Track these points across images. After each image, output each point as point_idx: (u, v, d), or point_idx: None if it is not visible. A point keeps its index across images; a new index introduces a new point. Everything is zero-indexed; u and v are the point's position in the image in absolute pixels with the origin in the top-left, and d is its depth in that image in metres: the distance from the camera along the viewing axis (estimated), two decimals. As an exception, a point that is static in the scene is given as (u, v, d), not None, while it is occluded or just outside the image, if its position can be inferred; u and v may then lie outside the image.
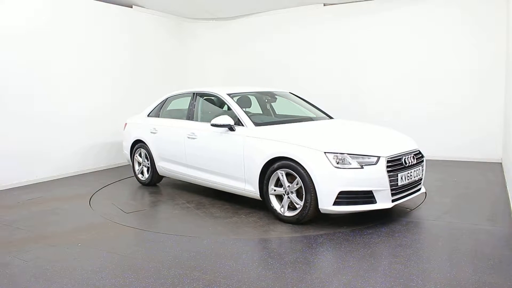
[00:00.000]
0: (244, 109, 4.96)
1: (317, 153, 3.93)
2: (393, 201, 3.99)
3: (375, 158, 3.92)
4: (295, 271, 3.09)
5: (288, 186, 4.11)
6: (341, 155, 3.89)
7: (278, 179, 4.21)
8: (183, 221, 4.51)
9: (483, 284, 2.80)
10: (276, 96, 5.82)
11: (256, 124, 4.68)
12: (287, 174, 4.13)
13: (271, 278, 3.00)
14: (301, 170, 3.96)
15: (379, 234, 3.84)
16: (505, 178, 5.68)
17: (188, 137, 5.27)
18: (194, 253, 3.51)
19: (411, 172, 4.17)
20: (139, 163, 6.22)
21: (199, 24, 9.45)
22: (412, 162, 4.21)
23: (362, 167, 3.86)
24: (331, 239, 3.72)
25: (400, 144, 4.34)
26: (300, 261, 3.27)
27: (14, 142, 6.16)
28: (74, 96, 6.99)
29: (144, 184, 6.16)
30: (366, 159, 3.91)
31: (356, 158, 3.90)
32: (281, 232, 3.96)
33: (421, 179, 4.45)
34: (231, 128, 4.72)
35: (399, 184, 4.01)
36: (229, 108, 5.12)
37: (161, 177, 6.07)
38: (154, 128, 5.88)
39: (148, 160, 6.03)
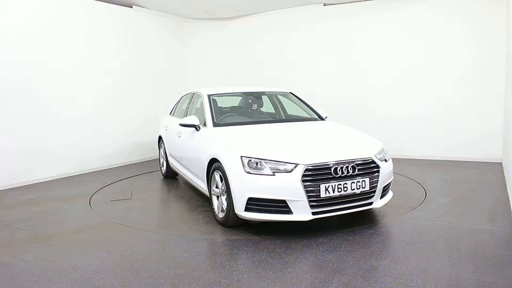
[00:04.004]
0: (210, 108, 5.02)
1: (235, 156, 3.87)
2: (314, 213, 3.66)
3: (292, 166, 3.66)
4: (295, 271, 3.09)
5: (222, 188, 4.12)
6: (256, 160, 3.74)
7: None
8: (139, 212, 4.90)
9: (483, 284, 2.80)
10: (263, 96, 5.80)
11: (215, 125, 4.74)
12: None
13: (271, 278, 3.00)
14: (225, 172, 3.95)
15: (379, 234, 3.84)
16: (505, 178, 5.68)
17: (177, 135, 5.54)
18: (194, 253, 3.51)
19: (345, 183, 3.71)
20: (162, 157, 6.62)
21: (199, 24, 9.45)
22: (348, 172, 3.74)
23: (273, 174, 3.67)
24: (331, 239, 3.72)
25: (340, 152, 3.88)
26: (300, 261, 3.27)
27: (14, 142, 6.15)
28: (74, 96, 6.98)
29: (164, 176, 6.64)
30: (280, 166, 3.68)
31: (269, 164, 3.70)
32: (207, 233, 3.97)
33: (370, 193, 3.88)
34: (197, 128, 4.86)
35: (322, 196, 3.64)
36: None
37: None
38: (167, 126, 6.28)
39: (165, 155, 6.45)
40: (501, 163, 6.79)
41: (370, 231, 3.90)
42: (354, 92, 8.11)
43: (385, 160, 4.13)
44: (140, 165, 7.78)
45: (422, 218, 4.27)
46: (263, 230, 4.00)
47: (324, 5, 8.24)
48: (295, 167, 3.66)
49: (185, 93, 6.35)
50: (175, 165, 5.92)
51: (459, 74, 7.21)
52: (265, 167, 3.71)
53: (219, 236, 3.90)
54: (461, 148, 7.25)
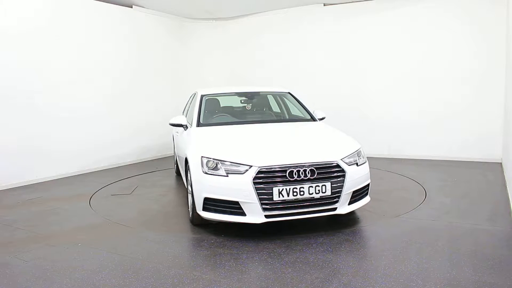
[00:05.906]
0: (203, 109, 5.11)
1: (197, 157, 3.93)
2: (267, 216, 3.61)
3: (246, 167, 3.63)
4: (295, 271, 3.09)
5: None
6: (215, 160, 3.78)
7: None
8: (126, 206, 5.08)
9: (483, 284, 2.80)
10: (256, 96, 5.78)
11: (198, 125, 4.80)
12: None
13: (271, 278, 3.00)
14: (190, 171, 4.02)
15: (379, 234, 3.84)
16: (505, 178, 5.68)
17: (176, 134, 5.75)
18: (194, 253, 3.51)
19: (302, 187, 3.60)
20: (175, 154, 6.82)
21: (199, 24, 9.45)
22: (306, 176, 3.62)
23: (227, 175, 3.68)
24: (331, 239, 3.72)
25: (300, 154, 3.78)
26: (300, 261, 3.27)
27: (15, 141, 6.15)
28: (74, 95, 6.99)
29: (176, 173, 6.80)
30: (234, 167, 3.68)
31: (224, 165, 3.72)
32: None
33: (333, 198, 3.73)
34: (184, 128, 4.98)
35: (275, 199, 3.57)
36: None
37: None
38: None
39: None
40: (501, 163, 6.79)
41: (371, 231, 3.90)
42: (354, 92, 8.11)
43: (357, 164, 3.94)
44: (145, 164, 7.80)
45: (422, 218, 4.27)
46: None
47: (324, 5, 8.24)
48: (248, 168, 3.64)
49: (192, 93, 6.43)
50: (178, 162, 6.13)
51: (459, 74, 7.22)
52: (221, 168, 3.74)
53: (220, 236, 3.90)
54: (461, 148, 7.25)
